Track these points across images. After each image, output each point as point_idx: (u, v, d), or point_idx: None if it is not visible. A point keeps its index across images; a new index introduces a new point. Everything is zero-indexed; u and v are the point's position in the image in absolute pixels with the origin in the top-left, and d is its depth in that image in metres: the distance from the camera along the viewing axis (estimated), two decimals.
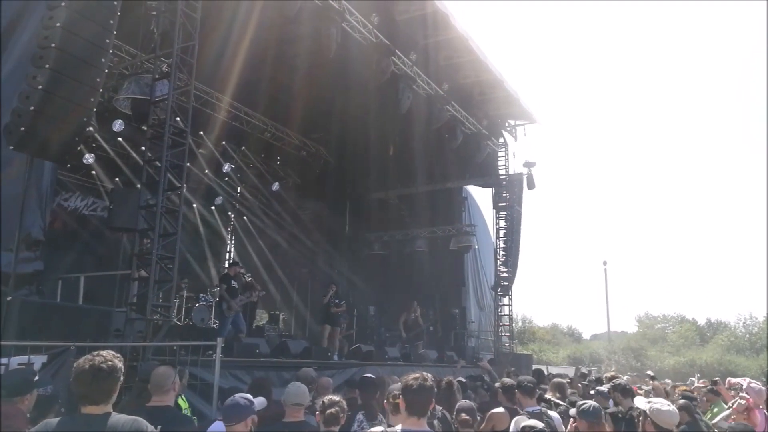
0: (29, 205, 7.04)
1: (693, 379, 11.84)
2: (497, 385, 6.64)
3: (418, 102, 13.43)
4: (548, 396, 5.77)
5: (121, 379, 2.82)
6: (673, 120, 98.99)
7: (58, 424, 2.71)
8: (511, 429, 4.69)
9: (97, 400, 2.72)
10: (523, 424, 4.13)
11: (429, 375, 3.38)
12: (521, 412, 4.89)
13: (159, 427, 3.57)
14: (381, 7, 11.82)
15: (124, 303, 7.73)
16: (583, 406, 4.33)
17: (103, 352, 2.81)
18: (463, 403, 4.73)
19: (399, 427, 3.23)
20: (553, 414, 4.93)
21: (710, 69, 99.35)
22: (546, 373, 10.96)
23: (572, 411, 4.47)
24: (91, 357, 2.77)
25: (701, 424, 5.60)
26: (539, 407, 5.07)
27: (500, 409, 5.52)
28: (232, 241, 19.05)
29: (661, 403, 3.94)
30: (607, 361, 37.35)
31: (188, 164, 8.59)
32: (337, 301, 13.01)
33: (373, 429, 3.30)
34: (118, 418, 2.74)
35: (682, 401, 5.67)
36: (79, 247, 12.70)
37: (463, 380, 8.00)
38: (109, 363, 2.75)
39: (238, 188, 17.26)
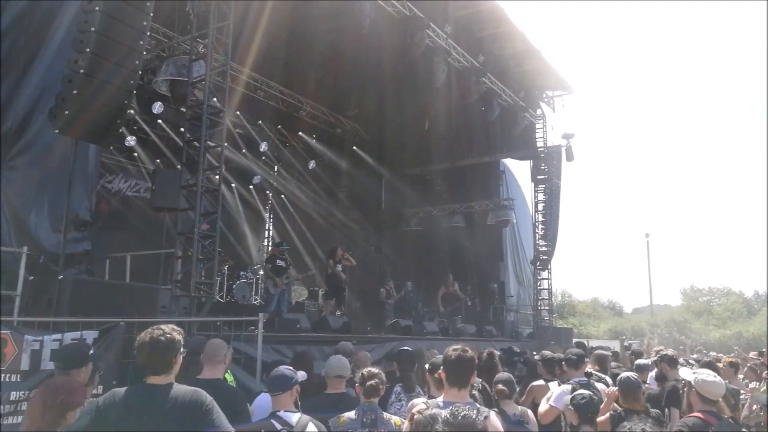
0: (76, 187, 7.25)
1: (738, 349, 11.58)
2: (537, 357, 6.63)
3: (454, 75, 13.23)
4: (588, 369, 5.73)
5: (181, 350, 2.96)
6: (715, 88, 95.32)
7: (125, 392, 2.86)
8: (554, 398, 4.71)
9: (158, 370, 2.88)
10: (571, 394, 4.13)
11: (469, 347, 3.40)
12: (569, 382, 4.88)
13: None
14: None
15: (169, 280, 7.94)
16: (621, 377, 4.33)
17: (163, 326, 2.99)
18: (501, 374, 4.72)
19: (440, 398, 3.26)
20: (600, 385, 4.90)
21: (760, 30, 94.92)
22: (588, 346, 10.86)
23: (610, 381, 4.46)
24: (152, 330, 2.94)
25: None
26: (585, 378, 5.04)
27: (540, 382, 5.51)
28: (271, 219, 19.32)
29: (707, 374, 3.87)
30: (649, 335, 36.76)
31: (226, 144, 8.71)
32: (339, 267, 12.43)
33: (415, 401, 3.34)
34: (180, 388, 2.89)
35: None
36: (124, 228, 13.08)
37: (497, 352, 8.01)
38: (167, 335, 2.91)
39: (275, 167, 17.43)
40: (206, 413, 2.82)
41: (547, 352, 6.18)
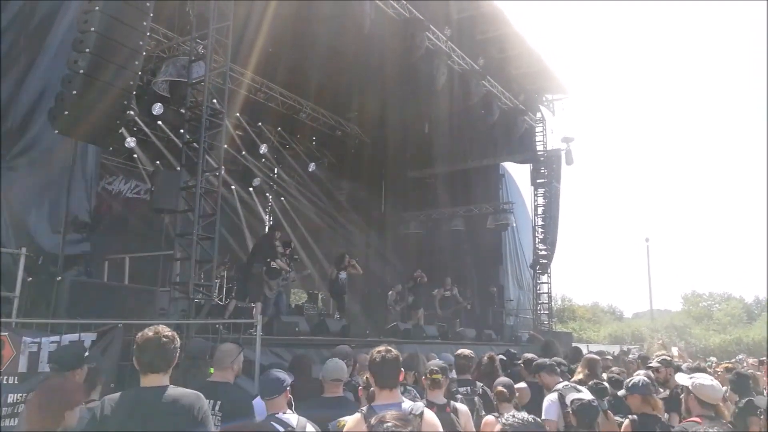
0: (76, 188, 7.23)
1: (742, 356, 11.55)
2: (519, 360, 6.65)
3: (454, 78, 13.24)
4: (579, 372, 5.70)
5: (178, 352, 2.98)
6: (715, 91, 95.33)
7: (120, 397, 2.84)
8: (545, 412, 4.58)
9: (159, 368, 2.87)
10: (572, 396, 4.10)
11: (393, 347, 3.35)
12: (554, 389, 4.84)
13: (219, 402, 3.73)
14: None
15: (168, 283, 7.92)
16: (633, 381, 4.29)
17: (161, 327, 2.98)
18: (501, 378, 4.71)
19: (365, 407, 3.18)
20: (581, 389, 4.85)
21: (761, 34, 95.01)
22: (585, 351, 10.84)
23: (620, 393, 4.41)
24: (154, 328, 2.95)
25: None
26: (566, 383, 4.98)
27: (522, 384, 5.55)
28: (271, 222, 19.28)
29: (704, 378, 3.86)
30: (649, 340, 36.73)
31: (225, 146, 8.70)
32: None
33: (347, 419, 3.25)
34: (177, 390, 2.87)
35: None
36: (123, 229, 13.04)
37: (504, 358, 7.98)
38: (170, 334, 2.94)
39: (275, 169, 17.42)
40: (198, 421, 2.81)
41: (529, 355, 6.19)
